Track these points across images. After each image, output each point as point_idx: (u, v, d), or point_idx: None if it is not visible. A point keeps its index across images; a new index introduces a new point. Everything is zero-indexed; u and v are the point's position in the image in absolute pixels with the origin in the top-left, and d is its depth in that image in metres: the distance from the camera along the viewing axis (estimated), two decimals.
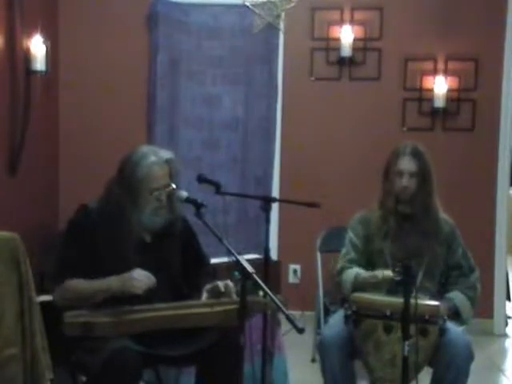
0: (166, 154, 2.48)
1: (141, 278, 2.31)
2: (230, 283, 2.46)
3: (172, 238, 2.53)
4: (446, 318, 2.50)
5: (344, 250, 2.85)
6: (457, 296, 2.73)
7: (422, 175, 2.72)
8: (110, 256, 2.38)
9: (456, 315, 2.69)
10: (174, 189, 2.47)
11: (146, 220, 2.46)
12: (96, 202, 2.49)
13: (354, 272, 2.74)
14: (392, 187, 2.75)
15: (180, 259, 2.56)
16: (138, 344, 2.27)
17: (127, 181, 2.42)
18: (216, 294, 2.45)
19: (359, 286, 2.69)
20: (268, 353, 2.66)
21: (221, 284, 2.45)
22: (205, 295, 2.47)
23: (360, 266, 2.78)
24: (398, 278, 2.31)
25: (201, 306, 2.40)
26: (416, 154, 2.73)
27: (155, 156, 2.43)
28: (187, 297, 2.50)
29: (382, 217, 2.76)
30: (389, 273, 2.56)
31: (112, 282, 2.32)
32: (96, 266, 2.37)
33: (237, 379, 2.19)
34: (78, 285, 2.37)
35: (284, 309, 2.04)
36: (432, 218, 2.75)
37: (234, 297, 2.42)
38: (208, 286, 2.48)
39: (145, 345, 2.29)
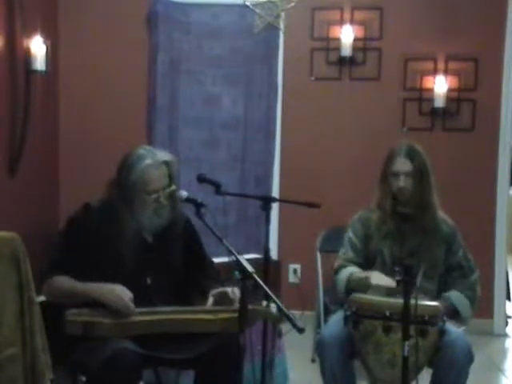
0: (163, 155, 2.46)
1: (120, 294, 2.29)
2: (236, 290, 2.40)
3: (174, 239, 2.52)
4: (445, 319, 2.50)
5: (342, 250, 2.85)
6: (454, 294, 2.72)
7: (419, 174, 2.72)
8: (106, 256, 2.37)
9: (455, 314, 2.68)
10: (174, 189, 2.46)
11: (146, 221, 2.45)
12: (98, 202, 2.49)
13: (348, 272, 2.73)
14: (389, 189, 2.75)
15: (182, 260, 2.55)
16: (138, 346, 2.26)
17: (123, 183, 2.41)
18: (223, 299, 2.42)
19: (352, 286, 2.68)
20: (269, 353, 2.66)
21: (230, 290, 2.41)
22: (211, 300, 2.44)
23: (357, 265, 2.77)
24: (398, 278, 2.31)
25: (204, 312, 2.38)
26: (411, 154, 2.72)
27: (151, 158, 2.41)
28: (190, 299, 2.49)
29: (381, 218, 2.76)
30: (384, 282, 2.55)
31: (95, 290, 2.31)
32: (91, 265, 2.36)
33: (237, 380, 2.19)
34: (63, 283, 2.36)
35: (284, 309, 2.04)
36: (431, 214, 2.74)
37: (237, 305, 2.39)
38: (215, 291, 2.45)
39: (145, 347, 2.28)
